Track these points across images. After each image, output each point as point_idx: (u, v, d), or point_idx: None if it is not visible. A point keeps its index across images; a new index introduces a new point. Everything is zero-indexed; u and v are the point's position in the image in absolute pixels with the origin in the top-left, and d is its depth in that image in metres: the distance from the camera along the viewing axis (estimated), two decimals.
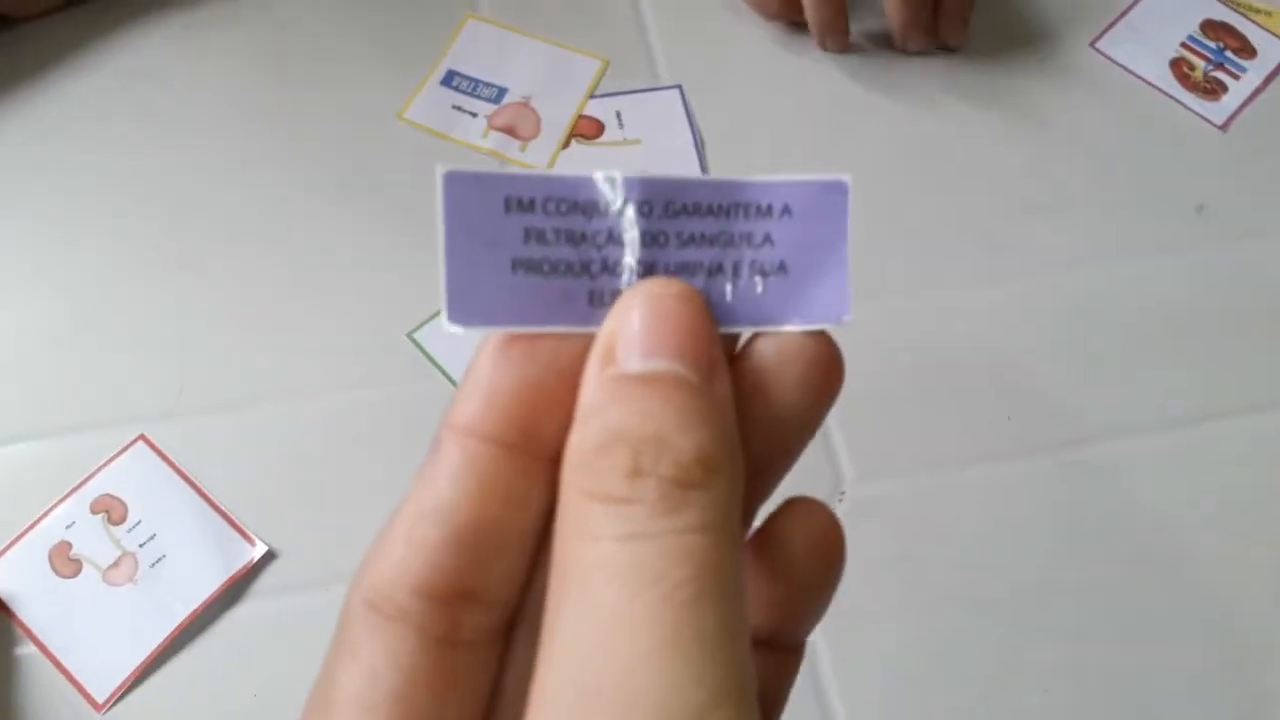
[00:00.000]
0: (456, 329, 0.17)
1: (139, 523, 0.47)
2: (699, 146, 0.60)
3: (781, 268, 0.19)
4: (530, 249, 0.18)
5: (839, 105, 0.62)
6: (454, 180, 0.17)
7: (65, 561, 0.46)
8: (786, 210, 0.19)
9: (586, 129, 0.61)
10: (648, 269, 0.18)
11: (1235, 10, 0.66)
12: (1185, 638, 0.48)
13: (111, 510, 0.48)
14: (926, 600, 0.49)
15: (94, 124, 0.60)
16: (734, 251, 0.18)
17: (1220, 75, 0.64)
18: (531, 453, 0.17)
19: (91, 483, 0.48)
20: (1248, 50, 0.65)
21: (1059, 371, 0.54)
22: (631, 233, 0.18)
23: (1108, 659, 0.48)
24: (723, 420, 0.17)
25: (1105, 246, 0.58)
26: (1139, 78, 0.64)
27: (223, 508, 0.48)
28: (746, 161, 0.60)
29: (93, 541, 0.47)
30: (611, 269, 0.18)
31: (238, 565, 0.47)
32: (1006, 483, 0.51)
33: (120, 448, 0.49)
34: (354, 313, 0.55)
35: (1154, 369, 0.54)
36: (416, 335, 0.54)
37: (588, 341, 0.18)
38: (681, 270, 0.18)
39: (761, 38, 0.64)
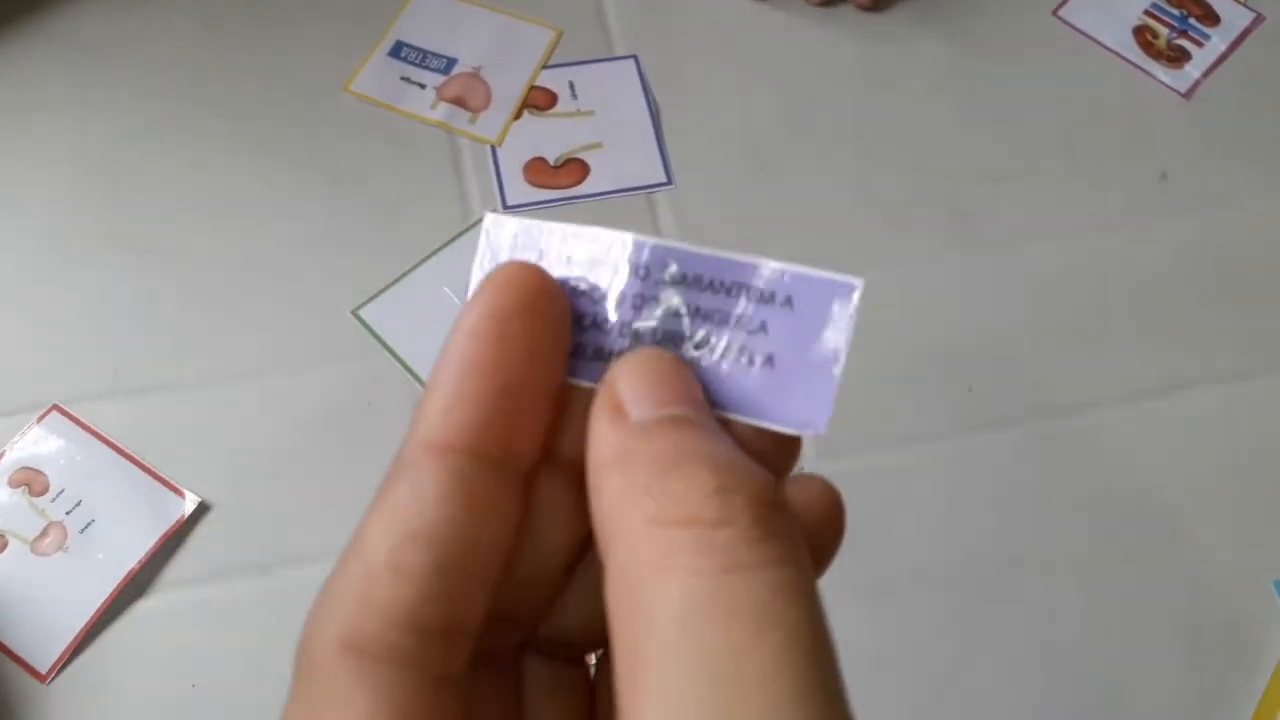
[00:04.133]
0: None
1: (62, 491, 0.46)
2: (654, 117, 0.59)
3: (770, 361, 0.18)
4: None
5: (798, 75, 0.61)
6: (493, 223, 0.18)
7: None
8: (788, 302, 0.18)
9: (539, 100, 0.59)
10: (635, 334, 0.18)
11: None
12: (1152, 611, 0.47)
13: (31, 483, 0.46)
14: (888, 580, 0.48)
15: (25, 98, 0.58)
16: (725, 332, 0.18)
17: (1183, 43, 0.63)
18: (509, 467, 0.17)
19: (7, 457, 0.47)
20: (1211, 17, 0.64)
21: (1020, 342, 0.53)
22: (626, 293, 0.18)
23: (1074, 636, 0.47)
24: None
25: (1068, 215, 0.57)
26: (1102, 45, 0.63)
27: (149, 466, 0.47)
28: (704, 132, 0.58)
29: (16, 515, 0.46)
30: (601, 325, 0.18)
31: (171, 520, 0.46)
32: (968, 457, 0.50)
33: (34, 419, 0.48)
34: (297, 289, 0.53)
35: (1118, 338, 0.53)
36: (361, 312, 0.52)
37: (556, 353, 0.17)
38: (667, 339, 0.18)
39: (719, 6, 0.63)
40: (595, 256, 0.18)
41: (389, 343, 0.51)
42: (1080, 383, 0.52)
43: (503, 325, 0.17)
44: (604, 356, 0.18)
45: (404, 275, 0.53)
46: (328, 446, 0.48)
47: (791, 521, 0.15)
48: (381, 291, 0.52)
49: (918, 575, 0.48)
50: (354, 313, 0.52)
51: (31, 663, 0.44)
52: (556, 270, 0.18)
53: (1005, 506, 0.49)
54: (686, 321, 0.18)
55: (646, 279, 0.18)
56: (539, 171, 0.57)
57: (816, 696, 0.14)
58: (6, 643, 0.44)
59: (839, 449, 0.50)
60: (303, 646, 0.16)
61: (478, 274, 0.18)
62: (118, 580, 0.44)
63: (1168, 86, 0.62)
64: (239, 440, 0.48)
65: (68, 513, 0.46)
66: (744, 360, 0.18)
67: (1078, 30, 0.63)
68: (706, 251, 0.18)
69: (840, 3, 0.63)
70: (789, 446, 0.18)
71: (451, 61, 0.60)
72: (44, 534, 0.46)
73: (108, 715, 0.43)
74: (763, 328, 0.18)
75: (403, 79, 0.59)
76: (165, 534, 0.46)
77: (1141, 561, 0.48)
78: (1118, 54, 0.63)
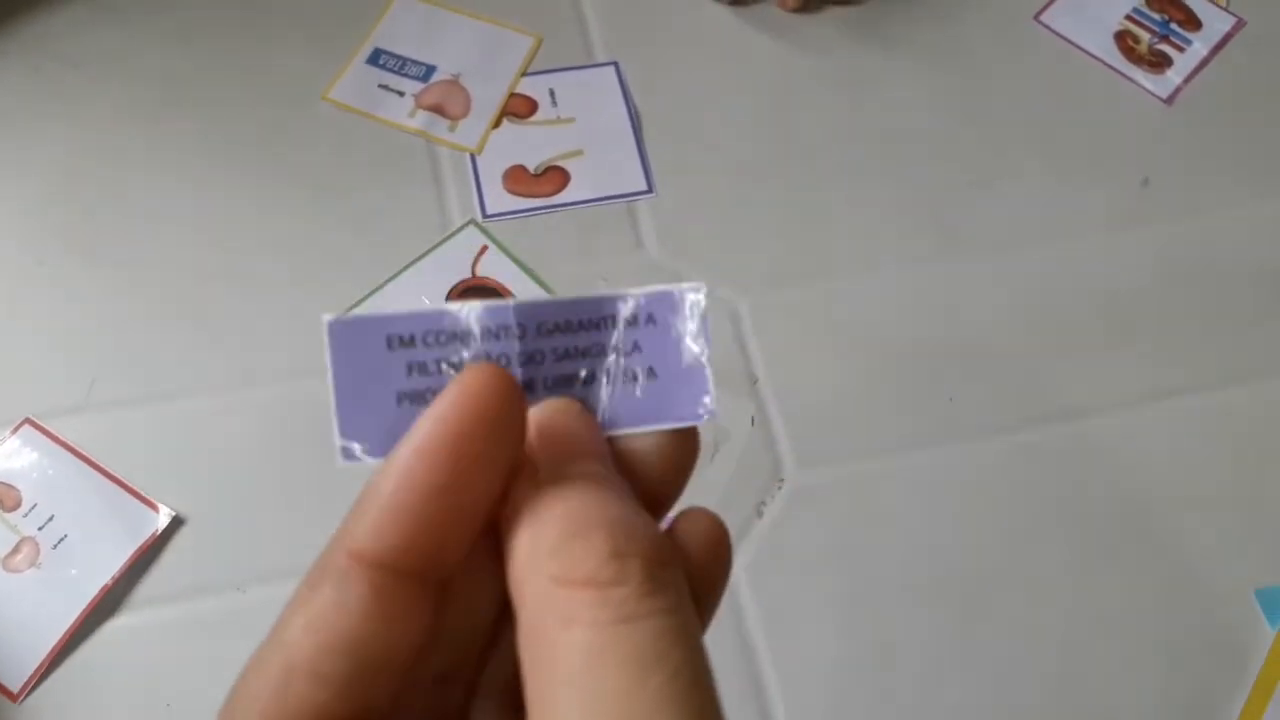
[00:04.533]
0: (348, 462, 0.18)
1: (34, 506, 0.46)
2: (635, 124, 0.58)
3: (651, 373, 0.20)
4: (414, 380, 0.19)
5: (779, 82, 0.60)
6: (337, 327, 0.19)
7: None
8: (650, 319, 0.20)
9: (519, 107, 0.59)
10: (528, 386, 0.19)
11: None
12: (1133, 618, 0.47)
13: (3, 498, 0.46)
14: (868, 591, 0.47)
15: (2, 107, 0.57)
16: (605, 360, 0.20)
17: (1165, 48, 0.63)
18: (434, 576, 0.17)
19: None
20: (1192, 22, 0.64)
21: (1001, 350, 0.53)
22: (509, 355, 0.19)
23: (1057, 649, 0.47)
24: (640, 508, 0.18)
25: (1050, 222, 0.57)
26: (1083, 50, 0.63)
27: (123, 479, 0.47)
28: (685, 140, 0.58)
29: None
30: None
31: (145, 534, 0.45)
32: (950, 467, 0.50)
33: (6, 433, 0.48)
34: (275, 300, 0.52)
35: (1100, 346, 0.53)
36: None
37: (508, 460, 0.18)
38: (559, 384, 0.19)
39: (700, 13, 0.63)
40: (466, 330, 0.19)
41: None
42: (1062, 391, 0.52)
43: (460, 444, 0.17)
44: None
45: (382, 285, 0.53)
46: (303, 460, 0.47)
47: (678, 575, 0.17)
48: (360, 301, 0.52)
49: (898, 584, 0.48)
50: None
51: (2, 681, 0.43)
52: (433, 350, 0.19)
53: (987, 516, 0.49)
54: (569, 362, 0.19)
55: (524, 338, 0.19)
56: (519, 179, 0.57)
57: (690, 713, 0.15)
58: None
59: (819, 458, 0.49)
60: None
61: (333, 384, 0.19)
62: (90, 597, 0.44)
63: (1149, 92, 0.61)
64: (214, 454, 0.48)
65: (40, 528, 0.45)
66: (629, 379, 0.20)
67: (1059, 35, 0.63)
68: (564, 299, 0.19)
69: (819, 9, 0.63)
70: (688, 444, 0.20)
71: (430, 69, 0.60)
72: (16, 550, 0.45)
73: None
74: (636, 347, 0.20)
75: (381, 86, 0.59)
76: (139, 549, 0.45)
77: (1123, 571, 0.48)
78: (1099, 59, 0.62)
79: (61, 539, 0.45)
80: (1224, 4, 0.65)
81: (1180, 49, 0.63)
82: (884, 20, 0.63)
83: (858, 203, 0.56)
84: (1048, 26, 0.63)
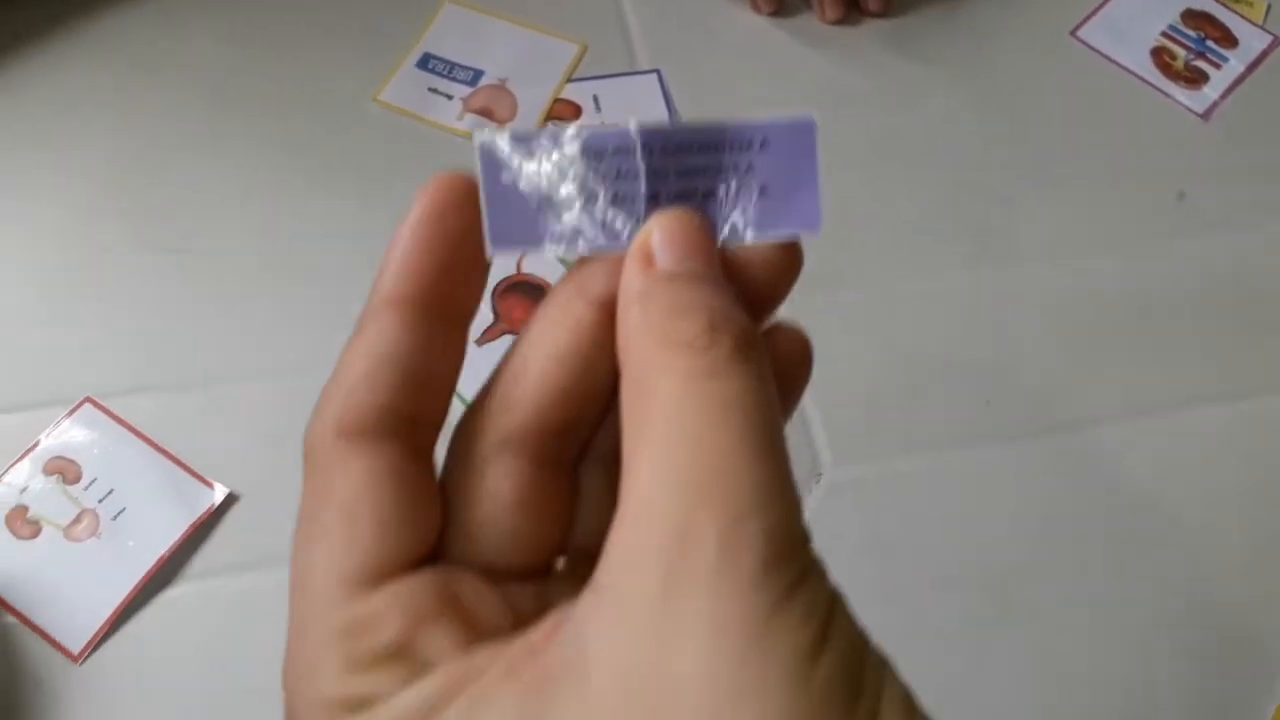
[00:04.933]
0: (497, 254, 0.22)
1: (95, 480, 0.48)
2: None
3: (764, 191, 0.22)
4: (552, 189, 0.22)
5: (819, 92, 0.62)
6: (487, 146, 0.22)
7: (24, 524, 0.47)
8: (765, 143, 0.23)
9: (563, 112, 0.60)
10: (653, 198, 0.22)
11: (1215, 0, 0.66)
12: (1163, 622, 0.48)
13: (65, 471, 0.48)
14: (902, 584, 0.48)
15: (66, 104, 0.59)
16: (723, 178, 0.22)
17: (1201, 64, 0.64)
18: (447, 315, 0.22)
19: (40, 446, 0.48)
20: (1229, 40, 0.65)
21: (1039, 358, 0.54)
22: (637, 170, 0.22)
23: (1085, 643, 0.47)
24: (745, 308, 0.21)
25: (1085, 234, 0.57)
26: (1120, 66, 0.64)
27: (179, 457, 0.48)
28: None
29: (50, 502, 0.47)
30: (621, 200, 0.22)
31: (200, 510, 0.47)
32: (984, 467, 0.50)
33: (67, 411, 0.49)
34: (325, 291, 0.54)
35: (1134, 356, 0.54)
36: None
37: (477, 236, 0.22)
38: (680, 197, 0.22)
39: (742, 22, 0.64)
40: (604, 146, 0.22)
41: None
42: (1096, 398, 0.53)
43: (441, 216, 0.21)
44: (630, 224, 0.22)
45: None
46: None
47: (763, 356, 0.20)
48: None
49: (931, 582, 0.48)
50: None
51: (64, 644, 0.45)
52: (573, 164, 0.22)
53: (1020, 518, 0.50)
54: (690, 179, 0.22)
55: (650, 155, 0.22)
56: None
57: (764, 449, 0.18)
58: (41, 624, 0.45)
59: (856, 455, 0.50)
60: (307, 444, 0.21)
61: (483, 194, 0.21)
62: (148, 567, 0.46)
63: (1186, 107, 0.62)
64: (267, 436, 0.49)
65: (100, 501, 0.47)
66: (744, 196, 0.22)
67: (1096, 51, 0.64)
68: (691, 124, 0.22)
69: (857, 21, 0.64)
70: (793, 256, 0.23)
71: (478, 73, 0.61)
72: (77, 520, 0.47)
73: (137, 695, 0.44)
74: (750, 168, 0.22)
75: (430, 90, 0.61)
76: (194, 523, 0.47)
77: (1155, 576, 0.49)
78: (1136, 75, 0.63)
79: (120, 511, 0.47)
80: (1260, 22, 0.65)
81: (1217, 66, 0.64)
82: (922, 34, 0.64)
83: (895, 211, 0.57)
84: (1085, 42, 0.64)
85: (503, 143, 0.22)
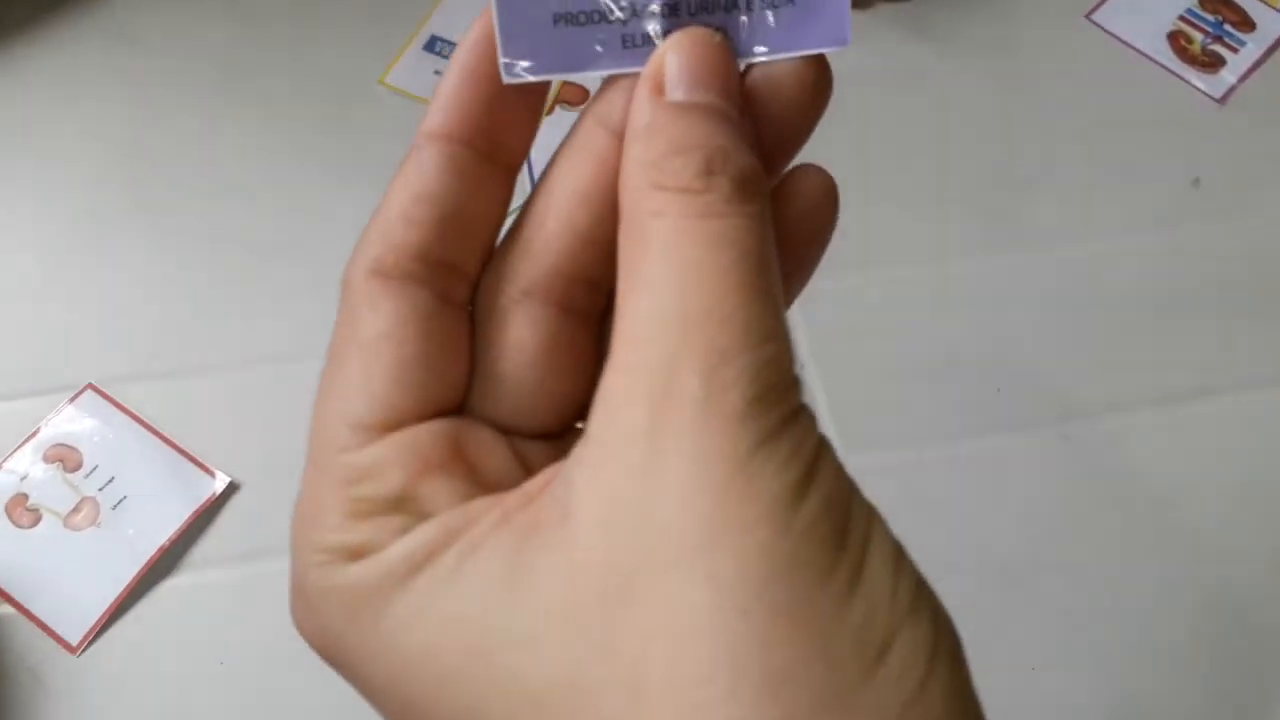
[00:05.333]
0: (511, 80, 0.20)
1: (96, 468, 0.47)
2: None
3: (789, 1, 0.21)
4: (569, 2, 0.20)
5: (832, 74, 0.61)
6: None
7: (23, 513, 0.46)
8: None
9: (571, 95, 0.60)
10: (673, 9, 0.21)
11: None
12: (1177, 616, 0.47)
13: (66, 459, 0.47)
14: None
15: (68, 84, 0.59)
16: None
17: (1218, 48, 0.63)
18: (494, 157, 0.21)
19: (41, 434, 0.48)
20: (1246, 24, 0.64)
21: (1050, 345, 0.53)
22: None
23: (1097, 636, 0.47)
24: (754, 145, 0.20)
25: (1100, 219, 0.57)
26: (1136, 50, 0.63)
27: (180, 445, 0.48)
28: None
29: (50, 490, 0.47)
30: (640, 13, 0.21)
31: (201, 498, 0.47)
32: (995, 457, 0.50)
33: (69, 398, 0.49)
34: (330, 275, 0.53)
35: (1148, 344, 0.53)
36: None
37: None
38: (702, 9, 0.21)
39: None
40: None
41: None
42: (1108, 386, 0.52)
43: (492, 45, 0.20)
44: (650, 41, 0.21)
45: None
46: None
47: (764, 196, 0.19)
48: None
49: (940, 572, 0.47)
50: None
51: (62, 634, 0.44)
52: None
53: (1032, 505, 0.49)
54: None
55: None
56: None
57: (756, 288, 0.18)
58: (38, 614, 0.45)
59: (866, 443, 0.50)
60: (343, 280, 0.21)
61: (496, 7, 0.20)
62: (148, 556, 0.45)
63: (1202, 92, 0.61)
64: (269, 424, 0.49)
65: (100, 489, 0.47)
66: (768, 6, 0.21)
67: (1111, 34, 0.63)
68: None
69: (870, 5, 0.63)
70: (821, 73, 0.22)
71: None
72: (77, 509, 0.46)
73: (136, 687, 0.44)
74: None
75: (437, 73, 0.60)
76: (195, 512, 0.46)
77: (1167, 565, 0.48)
78: (1151, 59, 0.62)
79: (121, 500, 0.46)
80: (1278, 6, 0.64)
81: (1234, 50, 0.63)
82: (936, 16, 0.63)
83: (906, 194, 0.57)
84: (1100, 25, 0.63)
85: None
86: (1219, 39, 0.63)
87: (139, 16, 0.61)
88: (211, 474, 0.47)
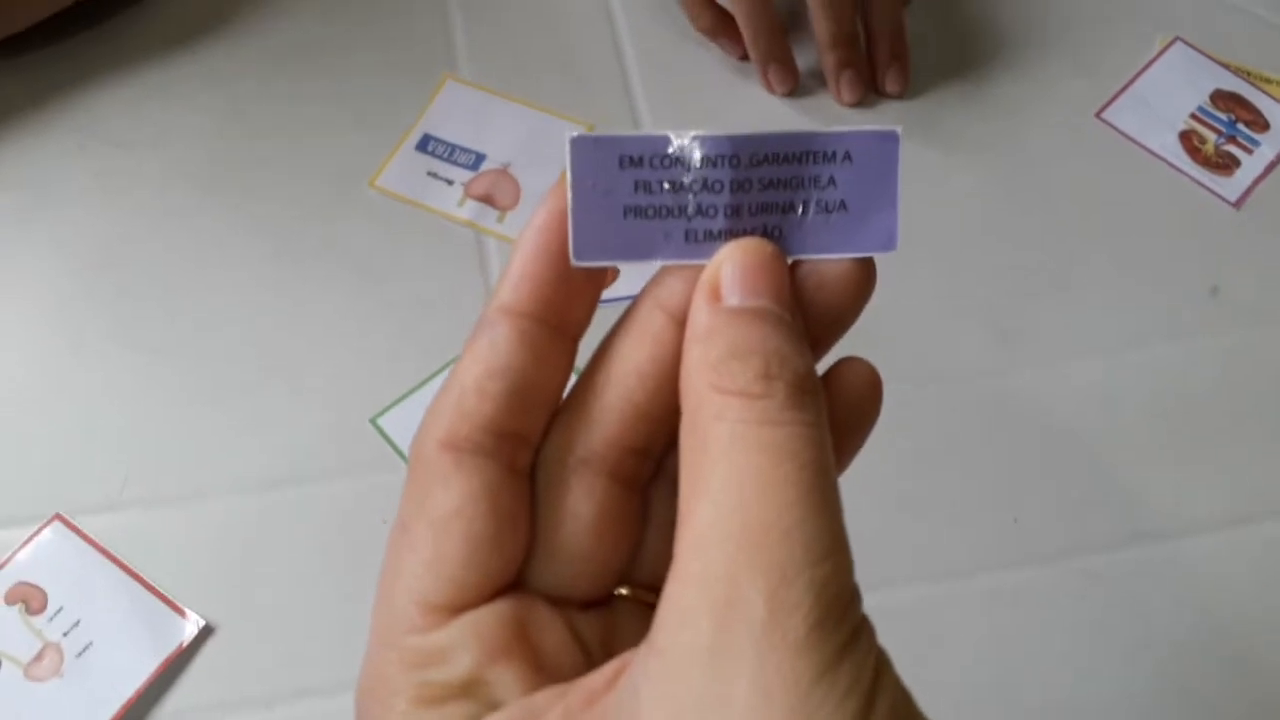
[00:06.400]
0: (580, 264, 0.22)
1: (60, 609, 0.44)
2: None
3: (843, 205, 0.22)
4: (639, 197, 0.22)
5: None
6: (579, 143, 0.21)
7: None
8: (848, 156, 0.22)
9: None
10: (735, 210, 0.22)
11: (1246, 80, 0.64)
12: None
13: (29, 599, 0.44)
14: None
15: (45, 186, 0.57)
16: (804, 192, 0.22)
17: (1232, 149, 0.61)
18: (561, 330, 0.22)
19: (5, 570, 0.45)
20: (1260, 123, 0.62)
21: (1066, 469, 0.51)
22: (723, 181, 0.22)
23: None
24: (809, 348, 0.21)
25: (1115, 332, 0.54)
26: (1148, 150, 0.61)
27: (150, 582, 0.45)
28: None
29: (12, 635, 0.44)
30: (705, 212, 0.22)
31: (172, 644, 0.44)
32: (1014, 592, 0.47)
33: (35, 529, 0.46)
34: (316, 393, 0.51)
35: (1169, 467, 0.51)
36: (380, 420, 0.50)
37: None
38: (762, 210, 0.22)
39: (756, 104, 0.62)
40: (690, 156, 0.22)
41: (406, 454, 0.49)
42: (1133, 511, 0.49)
43: (562, 222, 0.22)
44: (712, 237, 0.22)
45: (424, 382, 0.51)
46: (338, 567, 0.46)
47: (819, 401, 0.20)
48: (401, 398, 0.51)
49: (956, 713, 0.45)
50: (372, 421, 0.50)
51: None
52: (657, 172, 0.22)
53: (1054, 646, 0.46)
54: (772, 192, 0.22)
55: (738, 166, 0.21)
56: None
57: (815, 501, 0.19)
58: None
59: (877, 580, 0.47)
60: (413, 451, 0.22)
61: (571, 195, 0.22)
62: (114, 712, 0.42)
63: (1217, 195, 0.60)
64: (247, 557, 0.46)
65: (65, 634, 0.44)
66: (823, 210, 0.22)
67: (1122, 134, 0.62)
68: (775, 133, 0.22)
69: (875, 103, 0.62)
70: (867, 273, 0.23)
71: (480, 157, 0.59)
72: (39, 657, 0.43)
73: None
74: (831, 181, 0.22)
75: (430, 174, 0.58)
76: (166, 660, 0.43)
77: (1205, 707, 0.45)
78: (1164, 159, 0.61)
79: (86, 647, 0.43)
80: None
81: (1248, 150, 0.61)
82: (942, 115, 0.62)
83: (911, 303, 0.55)
84: (1110, 124, 0.62)
85: (595, 146, 0.21)
86: (1233, 139, 0.62)
87: (120, 116, 0.59)
88: (183, 614, 0.44)
